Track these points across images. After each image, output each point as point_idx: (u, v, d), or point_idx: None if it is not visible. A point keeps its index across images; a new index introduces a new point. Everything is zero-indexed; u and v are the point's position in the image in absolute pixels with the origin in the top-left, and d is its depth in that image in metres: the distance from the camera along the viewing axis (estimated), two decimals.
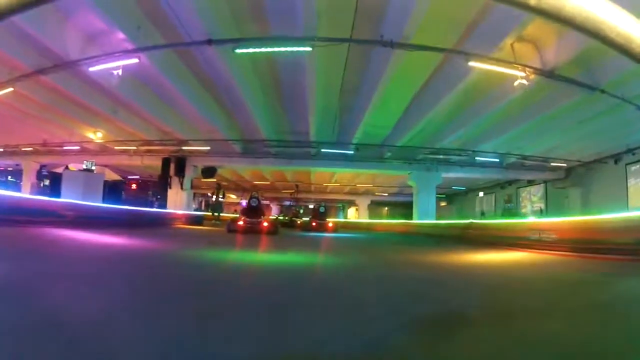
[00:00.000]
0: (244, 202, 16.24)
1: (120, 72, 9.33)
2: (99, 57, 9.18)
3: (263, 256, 6.20)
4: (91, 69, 9.42)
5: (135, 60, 8.98)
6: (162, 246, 7.10)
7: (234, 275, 3.82)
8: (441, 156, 17.07)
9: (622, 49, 0.63)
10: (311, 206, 32.67)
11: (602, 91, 9.61)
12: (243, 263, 4.96)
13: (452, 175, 18.61)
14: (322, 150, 16.72)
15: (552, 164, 18.52)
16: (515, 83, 8.64)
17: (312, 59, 8.82)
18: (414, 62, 8.99)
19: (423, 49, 7.27)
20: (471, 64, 7.83)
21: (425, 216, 17.54)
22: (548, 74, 8.86)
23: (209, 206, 30.87)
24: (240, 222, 12.55)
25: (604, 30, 0.61)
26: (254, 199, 13.57)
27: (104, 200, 18.02)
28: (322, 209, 18.84)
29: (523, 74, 8.59)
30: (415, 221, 17.74)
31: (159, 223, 14.91)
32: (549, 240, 8.15)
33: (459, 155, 16.87)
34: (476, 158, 17.18)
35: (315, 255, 6.56)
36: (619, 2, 0.64)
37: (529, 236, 8.62)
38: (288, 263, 5.18)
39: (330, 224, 17.70)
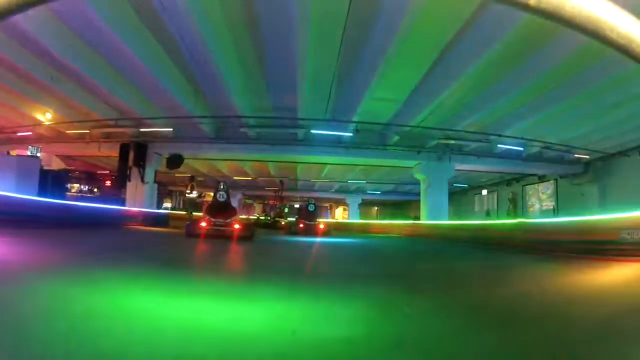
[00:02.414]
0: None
1: None
2: None
3: (215, 308, 2.29)
4: None
5: None
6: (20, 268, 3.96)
7: None
8: (453, 141, 14.26)
9: (623, 50, 0.57)
10: (297, 206, 29.63)
11: None
12: None
13: (465, 167, 15.83)
14: (313, 131, 13.59)
15: (576, 155, 16.14)
16: None
17: None
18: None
19: None
20: None
21: (436, 215, 14.70)
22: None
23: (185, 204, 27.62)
24: (203, 224, 9.34)
25: (604, 31, 0.56)
26: (222, 193, 10.25)
27: (44, 192, 14.77)
28: (311, 207, 15.49)
29: None
30: (426, 222, 14.87)
31: (103, 222, 11.65)
32: None
33: (479, 141, 14.15)
34: (498, 145, 14.49)
35: (328, 305, 2.58)
36: (619, 2, 0.56)
37: (623, 238, 5.88)
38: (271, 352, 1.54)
39: (321, 226, 14.42)
